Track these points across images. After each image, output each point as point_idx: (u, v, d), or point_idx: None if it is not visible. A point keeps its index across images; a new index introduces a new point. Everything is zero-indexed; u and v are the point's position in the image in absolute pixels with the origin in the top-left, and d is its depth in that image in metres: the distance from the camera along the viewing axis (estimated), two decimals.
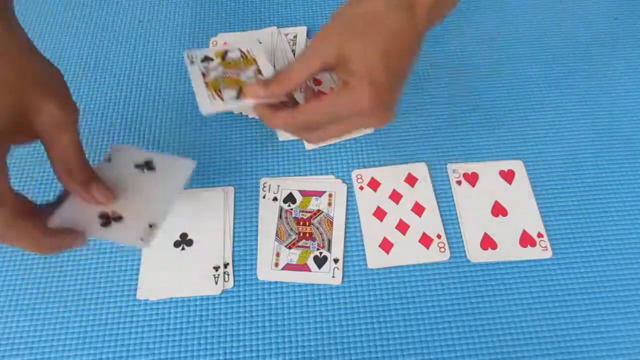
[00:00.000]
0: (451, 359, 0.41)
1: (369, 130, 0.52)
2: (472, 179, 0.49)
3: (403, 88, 0.39)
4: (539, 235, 0.46)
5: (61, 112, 0.33)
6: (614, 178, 0.49)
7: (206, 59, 0.44)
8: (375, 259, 0.45)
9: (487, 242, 0.46)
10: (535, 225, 0.47)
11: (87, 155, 0.35)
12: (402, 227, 0.47)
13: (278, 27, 0.59)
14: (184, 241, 0.46)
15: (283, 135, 0.52)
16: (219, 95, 0.41)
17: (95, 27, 0.61)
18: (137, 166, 0.41)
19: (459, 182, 0.49)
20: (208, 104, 0.41)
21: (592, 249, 0.46)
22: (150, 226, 0.38)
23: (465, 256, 0.46)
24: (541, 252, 0.46)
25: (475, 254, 0.46)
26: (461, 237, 0.46)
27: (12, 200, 0.32)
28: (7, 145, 0.32)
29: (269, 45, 0.57)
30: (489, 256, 0.45)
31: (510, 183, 0.49)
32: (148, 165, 0.41)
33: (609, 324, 0.43)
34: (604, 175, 0.50)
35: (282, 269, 0.45)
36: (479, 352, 0.42)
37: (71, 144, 0.34)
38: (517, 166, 0.50)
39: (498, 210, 0.48)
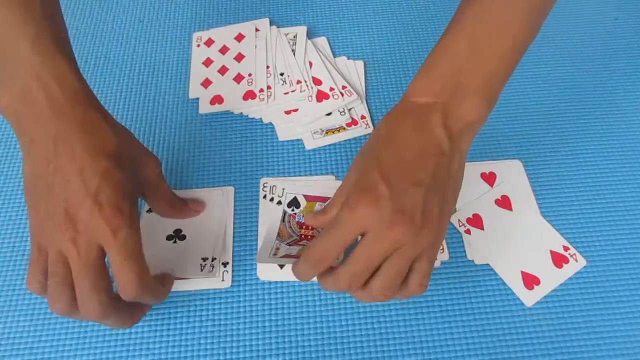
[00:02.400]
0: (451, 359, 0.41)
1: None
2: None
3: (435, 199, 0.35)
4: None
5: (159, 166, 0.41)
6: (614, 178, 0.49)
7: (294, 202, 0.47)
8: None
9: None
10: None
11: None
12: None
13: (278, 27, 0.59)
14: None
15: (283, 135, 0.52)
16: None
17: (95, 27, 0.61)
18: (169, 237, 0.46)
19: None
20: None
21: (592, 249, 0.46)
22: (206, 259, 0.45)
23: (466, 256, 0.46)
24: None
25: (477, 254, 0.46)
26: (461, 237, 0.46)
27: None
28: (136, 198, 0.38)
29: (269, 44, 0.57)
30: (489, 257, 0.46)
31: (509, 183, 0.49)
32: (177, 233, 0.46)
33: (609, 324, 0.43)
34: (603, 175, 0.50)
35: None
36: (479, 352, 0.42)
37: (168, 187, 0.44)
38: (516, 166, 0.50)
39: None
